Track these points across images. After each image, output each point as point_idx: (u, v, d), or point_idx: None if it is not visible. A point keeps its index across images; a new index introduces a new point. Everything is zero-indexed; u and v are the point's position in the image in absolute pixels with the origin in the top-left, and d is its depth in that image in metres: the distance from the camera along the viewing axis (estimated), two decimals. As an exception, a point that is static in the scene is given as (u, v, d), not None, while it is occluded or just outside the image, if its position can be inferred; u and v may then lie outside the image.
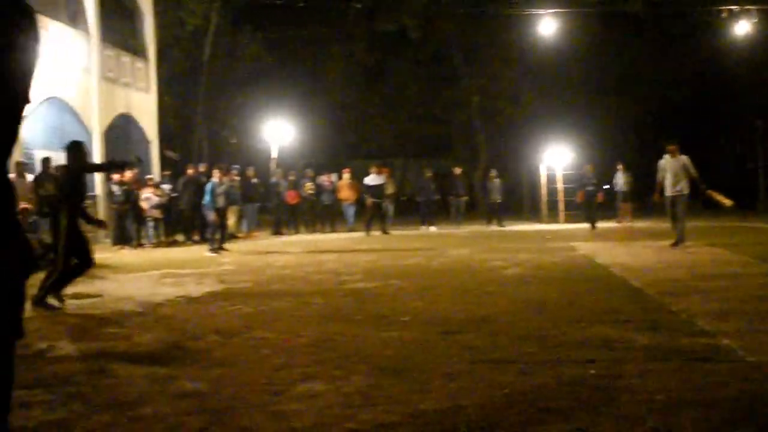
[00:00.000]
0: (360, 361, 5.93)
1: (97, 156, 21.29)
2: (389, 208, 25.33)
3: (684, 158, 15.48)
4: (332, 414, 4.60)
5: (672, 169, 15.47)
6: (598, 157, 32.09)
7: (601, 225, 23.84)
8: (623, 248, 15.81)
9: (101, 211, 20.48)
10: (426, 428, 4.30)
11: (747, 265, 12.09)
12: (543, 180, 29.49)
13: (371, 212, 23.71)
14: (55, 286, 9.02)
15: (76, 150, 9.55)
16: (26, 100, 2.93)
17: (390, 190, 25.49)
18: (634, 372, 5.36)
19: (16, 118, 2.93)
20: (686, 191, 15.46)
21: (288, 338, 6.96)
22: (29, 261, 3.23)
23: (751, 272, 11.03)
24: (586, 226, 23.44)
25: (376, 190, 24.26)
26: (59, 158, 12.88)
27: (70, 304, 9.37)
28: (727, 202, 15.95)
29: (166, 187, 21.30)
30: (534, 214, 32.03)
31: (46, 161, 16.46)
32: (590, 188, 23.72)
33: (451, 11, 34.98)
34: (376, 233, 23.14)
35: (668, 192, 15.57)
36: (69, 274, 9.17)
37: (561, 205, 28.24)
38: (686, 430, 4.17)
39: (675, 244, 15.34)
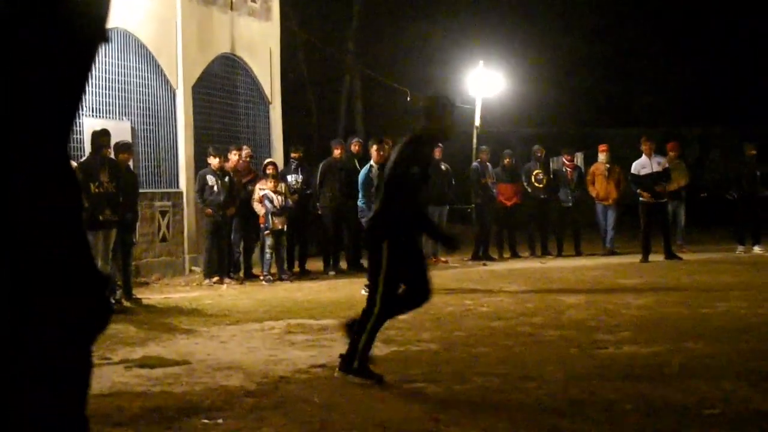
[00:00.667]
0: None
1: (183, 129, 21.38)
2: (679, 212, 24.22)
3: None
4: None
5: None
6: None
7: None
8: None
9: (185, 218, 20.72)
10: None
11: None
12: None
13: (644, 220, 22.46)
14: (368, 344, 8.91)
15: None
16: (103, 37, 2.71)
17: (680, 181, 24.22)
18: None
19: (87, 66, 2.73)
20: None
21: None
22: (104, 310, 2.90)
23: None
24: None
25: (649, 180, 22.57)
26: (121, 130, 12.53)
27: (139, 376, 9.20)
28: None
29: (292, 179, 20.77)
30: None
31: (99, 136, 15.78)
32: None
33: None
34: (661, 258, 22.09)
35: None
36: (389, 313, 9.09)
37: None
38: None
39: None
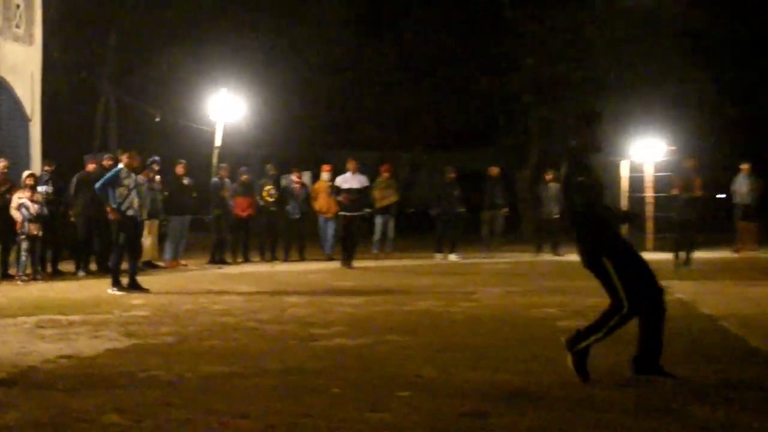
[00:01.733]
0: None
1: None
2: (389, 225, 25.40)
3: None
4: None
5: None
6: (713, 153, 32.14)
7: (710, 255, 23.74)
8: (742, 291, 15.86)
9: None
10: None
11: None
12: (625, 185, 29.22)
13: (343, 232, 23.37)
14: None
15: None
16: None
17: (391, 198, 25.43)
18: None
19: None
20: None
21: (227, 422, 6.89)
22: None
23: None
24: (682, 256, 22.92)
25: (353, 197, 23.61)
26: None
27: None
28: None
29: (42, 189, 20.62)
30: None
31: None
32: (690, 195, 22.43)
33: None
34: (365, 264, 23.02)
35: None
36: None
37: (649, 224, 28.05)
38: None
39: None
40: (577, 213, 8.27)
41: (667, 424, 6.66)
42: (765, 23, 39.25)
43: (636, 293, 8.03)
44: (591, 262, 8.22)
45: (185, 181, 23.84)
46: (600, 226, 8.23)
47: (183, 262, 23.53)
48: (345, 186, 23.37)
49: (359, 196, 23.08)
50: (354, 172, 23.81)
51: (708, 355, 9.62)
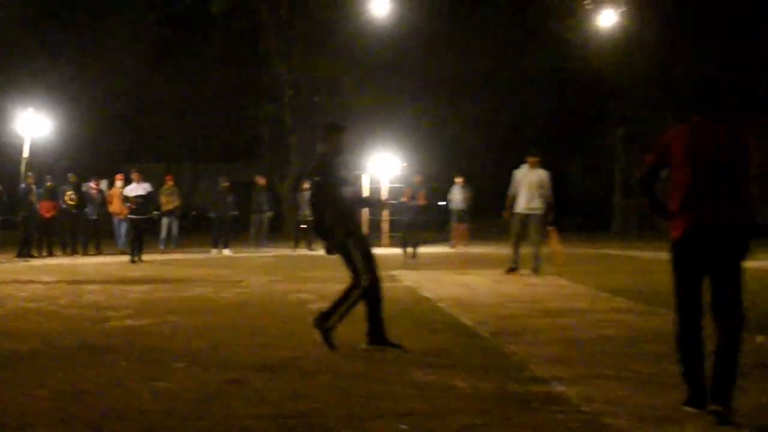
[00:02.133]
0: (120, 418, 5.83)
1: None
2: (173, 225, 25.08)
3: (543, 173, 16.19)
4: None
5: (528, 183, 16.19)
6: (435, 169, 32.87)
7: (432, 250, 24.27)
8: (455, 279, 16.22)
9: None
10: None
11: (594, 299, 12.74)
12: (365, 193, 29.86)
13: (133, 231, 22.87)
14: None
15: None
16: None
17: (174, 202, 25.19)
18: (453, 426, 5.56)
19: None
20: (542, 210, 16.20)
21: (25, 392, 6.66)
22: None
23: (597, 308, 11.63)
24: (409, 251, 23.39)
25: (139, 202, 23.03)
26: None
27: None
28: (559, 255, 16.51)
29: None
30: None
31: None
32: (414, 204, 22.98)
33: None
34: (153, 257, 22.58)
35: (520, 209, 16.15)
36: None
37: (385, 225, 28.59)
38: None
39: (527, 271, 16.33)
40: (321, 209, 8.36)
41: (391, 384, 6.77)
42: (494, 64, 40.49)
43: (369, 270, 8.25)
44: (339, 245, 8.33)
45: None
46: (344, 215, 8.36)
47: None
48: (132, 194, 22.79)
49: (145, 201, 22.59)
50: (138, 182, 23.19)
51: (429, 329, 9.79)
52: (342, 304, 8.33)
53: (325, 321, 8.29)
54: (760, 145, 5.76)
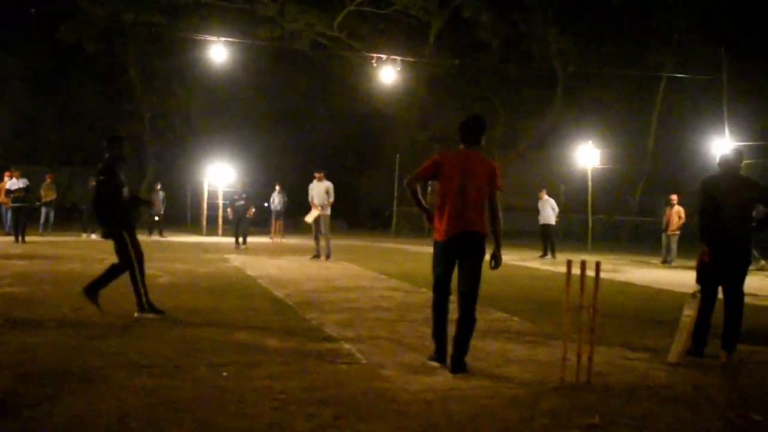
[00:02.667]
0: (-2, 366, 5.55)
1: None
2: (50, 213, 23.86)
3: (328, 184, 16.62)
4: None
5: (318, 192, 16.59)
6: (261, 178, 32.61)
7: (256, 240, 24.11)
8: (272, 262, 16.16)
9: None
10: None
11: (374, 279, 12.95)
12: (205, 194, 29.52)
13: (15, 217, 21.58)
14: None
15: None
16: None
17: (51, 195, 23.95)
18: (263, 374, 5.55)
19: None
20: (328, 211, 16.59)
21: None
22: None
23: (376, 285, 11.83)
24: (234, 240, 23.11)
25: (20, 194, 21.59)
26: None
27: None
28: (310, 217, 16.91)
29: None
30: (195, 227, 31.75)
31: None
32: (240, 203, 22.71)
33: (130, 31, 33.62)
34: (34, 239, 21.40)
35: (314, 210, 16.58)
36: None
37: (220, 220, 28.34)
38: (299, 425, 4.40)
39: (323, 258, 16.64)
40: (101, 201, 8.15)
41: (216, 342, 6.68)
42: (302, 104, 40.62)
43: (129, 255, 8.11)
44: (114, 233, 8.16)
45: None
46: (121, 210, 8.21)
47: None
48: (14, 187, 21.59)
49: (24, 194, 21.42)
50: (18, 178, 22.09)
51: (249, 299, 9.70)
52: (108, 279, 8.24)
53: (93, 290, 8.14)
54: (499, 166, 6.01)
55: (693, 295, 6.70)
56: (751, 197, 6.89)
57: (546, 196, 20.92)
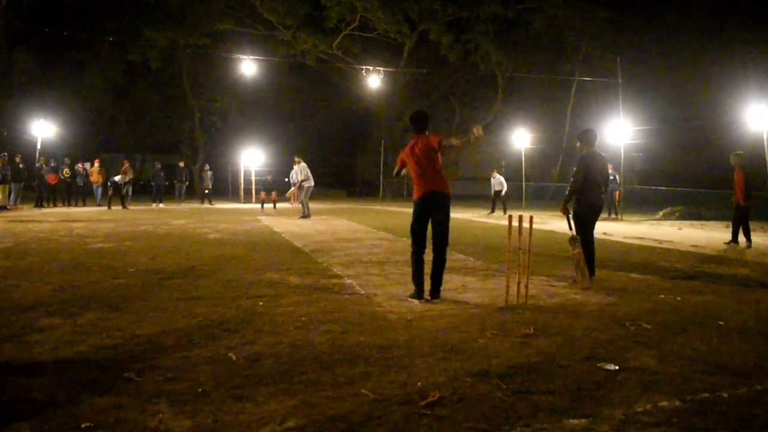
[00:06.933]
0: (93, 301, 5.52)
1: None
2: (129, 189, 23.57)
3: (302, 165, 16.85)
4: (66, 340, 4.26)
5: (294, 173, 17.31)
6: (282, 159, 32.38)
7: (279, 205, 23.96)
8: (292, 221, 16.09)
9: None
10: (137, 348, 4.14)
11: (368, 232, 12.89)
12: (241, 173, 29.31)
13: (111, 192, 21.29)
14: None
15: None
16: None
17: (129, 176, 23.60)
18: (288, 303, 5.55)
19: None
20: (307, 185, 16.76)
21: (39, 285, 6.22)
22: None
23: (369, 237, 11.79)
24: (270, 206, 23.11)
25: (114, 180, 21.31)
26: None
27: None
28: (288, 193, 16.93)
29: None
30: (236, 197, 31.51)
31: None
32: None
33: (183, 51, 32.96)
34: (118, 208, 21.22)
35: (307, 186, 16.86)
36: None
37: (253, 191, 28.08)
38: (318, 339, 4.41)
39: (299, 216, 16.64)
40: None
41: (251, 281, 6.62)
42: (313, 102, 40.01)
43: None
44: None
45: (21, 165, 20.51)
46: None
47: (20, 206, 20.17)
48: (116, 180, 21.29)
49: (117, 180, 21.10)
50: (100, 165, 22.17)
51: (277, 249, 9.62)
52: None
53: None
54: (437, 137, 5.77)
55: (573, 239, 6.69)
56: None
57: (497, 175, 20.70)
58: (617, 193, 18.79)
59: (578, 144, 6.97)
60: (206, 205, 24.68)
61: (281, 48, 32.68)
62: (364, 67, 26.53)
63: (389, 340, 4.41)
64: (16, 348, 4.07)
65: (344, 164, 46.61)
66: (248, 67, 25.39)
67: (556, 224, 15.48)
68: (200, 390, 3.39)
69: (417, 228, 5.83)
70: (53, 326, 4.60)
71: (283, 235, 11.88)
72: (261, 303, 5.52)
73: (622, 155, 19.13)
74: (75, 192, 23.33)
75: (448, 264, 5.91)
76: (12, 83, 34.29)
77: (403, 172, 6.05)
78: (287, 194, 17.08)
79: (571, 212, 6.81)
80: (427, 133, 5.92)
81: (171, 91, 37.33)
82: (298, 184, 16.84)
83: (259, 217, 17.25)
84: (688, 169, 31.27)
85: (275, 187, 22.70)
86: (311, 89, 40.12)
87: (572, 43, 34.71)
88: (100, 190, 23.32)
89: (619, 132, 19.23)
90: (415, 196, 5.83)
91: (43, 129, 22.78)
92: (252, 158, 28.77)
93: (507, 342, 4.37)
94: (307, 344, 4.26)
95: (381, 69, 26.03)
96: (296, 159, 16.90)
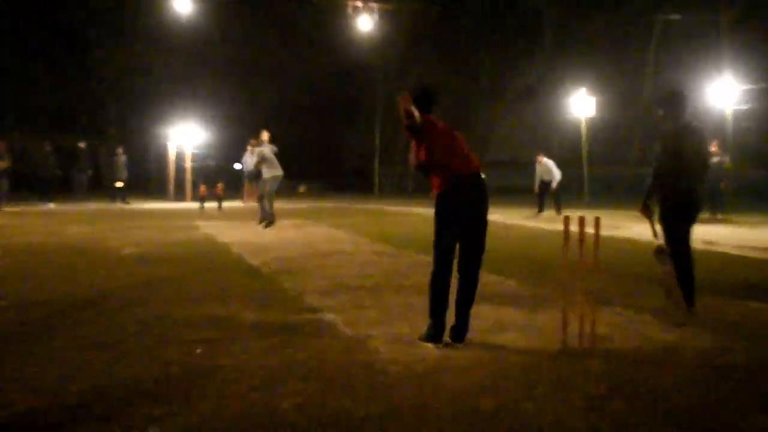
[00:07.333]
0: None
1: None
2: (4, 183, 23.56)
3: (257, 149, 16.53)
4: None
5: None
6: (229, 138, 32.54)
7: (225, 204, 24.01)
8: (246, 227, 16.09)
9: None
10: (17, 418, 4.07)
11: (356, 243, 12.90)
12: (172, 158, 29.28)
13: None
14: None
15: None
16: None
17: (5, 163, 23.60)
18: (238, 350, 5.48)
19: None
20: (270, 174, 16.18)
21: None
22: None
23: (359, 250, 11.79)
24: (213, 205, 23.29)
25: None
26: None
27: None
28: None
29: None
30: (161, 193, 31.54)
31: None
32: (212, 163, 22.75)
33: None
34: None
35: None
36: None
37: (189, 184, 28.19)
38: (284, 404, 4.34)
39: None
40: None
41: (190, 317, 6.59)
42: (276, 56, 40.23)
43: None
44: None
45: None
46: None
47: None
48: None
49: None
50: None
51: (224, 269, 9.61)
52: None
53: None
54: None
55: (659, 250, 6.66)
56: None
57: (544, 159, 20.48)
58: (723, 183, 18.81)
59: (661, 112, 6.92)
60: (119, 205, 24.78)
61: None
62: (350, 2, 26.55)
63: (390, 405, 4.33)
64: None
65: (325, 145, 46.66)
66: (182, 3, 25.28)
67: (636, 229, 15.46)
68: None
69: (447, 236, 5.64)
70: None
71: (233, 249, 11.86)
72: (199, 351, 5.45)
73: (731, 127, 19.16)
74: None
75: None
76: None
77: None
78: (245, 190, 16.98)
79: (656, 212, 6.77)
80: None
81: (66, 37, 37.35)
82: (253, 173, 16.81)
83: (197, 223, 17.28)
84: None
85: (220, 178, 22.79)
86: (276, 39, 40.13)
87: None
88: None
89: (724, 94, 19.25)
90: (442, 187, 5.63)
91: None
92: (187, 136, 28.85)
93: (565, 408, 4.30)
94: (266, 413, 4.18)
95: (376, 4, 26.08)
96: (253, 140, 16.75)
